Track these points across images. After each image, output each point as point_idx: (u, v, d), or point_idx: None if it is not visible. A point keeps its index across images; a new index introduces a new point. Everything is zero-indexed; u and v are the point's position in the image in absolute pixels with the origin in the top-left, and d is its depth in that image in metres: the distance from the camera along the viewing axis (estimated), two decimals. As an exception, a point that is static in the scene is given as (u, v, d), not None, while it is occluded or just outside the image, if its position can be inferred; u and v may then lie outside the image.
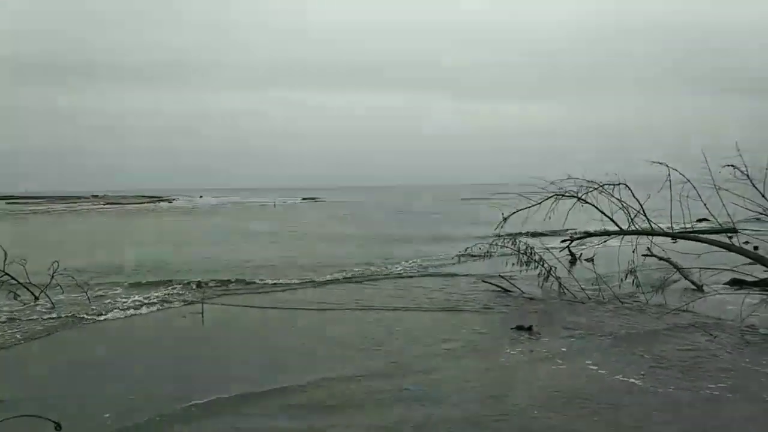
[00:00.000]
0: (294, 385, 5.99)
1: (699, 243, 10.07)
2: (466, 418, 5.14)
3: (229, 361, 7.14)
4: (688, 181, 10.02)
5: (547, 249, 12.18)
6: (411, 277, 13.37)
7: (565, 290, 10.82)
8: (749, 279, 10.60)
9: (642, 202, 10.78)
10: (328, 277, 13.02)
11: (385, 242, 21.18)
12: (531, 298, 10.57)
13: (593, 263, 12.76)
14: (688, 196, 9.95)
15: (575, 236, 15.16)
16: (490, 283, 11.53)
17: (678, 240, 10.84)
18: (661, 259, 11.88)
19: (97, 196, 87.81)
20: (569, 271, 12.77)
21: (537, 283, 11.30)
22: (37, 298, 10.54)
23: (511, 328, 8.22)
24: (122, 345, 8.10)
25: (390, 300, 10.53)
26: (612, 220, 10.96)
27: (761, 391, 5.56)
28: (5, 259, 10.93)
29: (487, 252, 12.43)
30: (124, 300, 10.71)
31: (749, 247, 10.78)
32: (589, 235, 12.31)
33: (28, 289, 10.71)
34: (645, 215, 10.71)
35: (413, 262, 15.43)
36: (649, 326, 8.28)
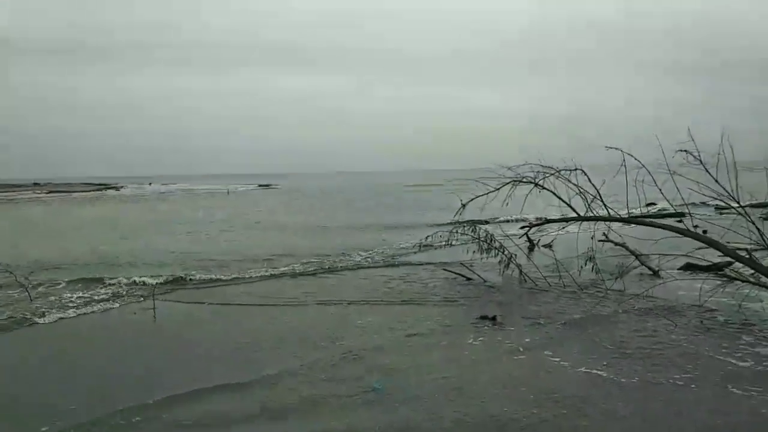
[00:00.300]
0: (244, 383, 5.76)
1: (655, 229, 10.17)
2: (431, 413, 4.99)
3: (178, 361, 6.75)
4: (643, 166, 10.10)
5: (507, 236, 12.14)
6: (370, 267, 13.11)
7: (526, 278, 10.81)
8: (703, 264, 10.82)
9: (598, 188, 10.82)
10: (284, 269, 12.63)
11: (342, 231, 20.91)
12: (492, 287, 10.52)
13: (552, 249, 12.83)
14: (643, 181, 10.02)
15: (534, 222, 15.23)
16: (452, 272, 11.43)
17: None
18: (617, 244, 12.03)
19: (38, 184, 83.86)
20: (529, 257, 12.82)
21: (498, 271, 11.26)
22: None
23: (474, 318, 8.12)
24: (69, 347, 7.62)
25: (350, 292, 10.26)
26: (569, 205, 10.96)
27: (724, 381, 5.59)
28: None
29: (447, 240, 12.31)
30: (69, 297, 10.12)
31: (699, 231, 10.98)
32: (547, 221, 12.29)
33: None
34: (602, 201, 10.76)
35: (372, 251, 15.18)
36: (609, 314, 8.32)
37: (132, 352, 7.23)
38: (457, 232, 12.16)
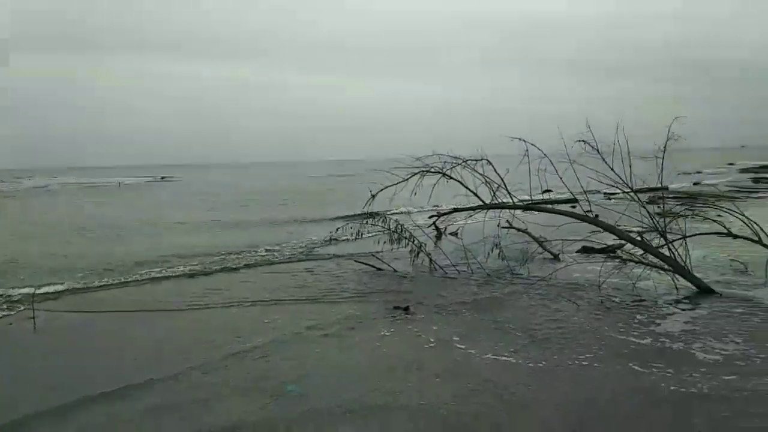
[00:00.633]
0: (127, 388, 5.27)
1: (556, 215, 10.61)
2: (350, 411, 4.83)
3: (55, 372, 6.12)
4: (546, 155, 10.47)
5: (417, 226, 12.19)
6: (280, 263, 12.57)
7: (436, 266, 10.91)
8: (597, 246, 11.44)
9: (503, 177, 11.10)
10: (181, 269, 11.61)
11: (248, 226, 20.19)
12: (404, 276, 10.51)
13: (459, 237, 13.02)
14: (545, 170, 10.39)
15: (442, 212, 15.45)
16: (363, 263, 11.31)
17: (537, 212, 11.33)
18: (519, 230, 12.42)
19: None
20: (437, 246, 12.96)
21: (408, 260, 11.28)
22: None
23: (386, 309, 8.05)
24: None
25: (255, 291, 9.73)
26: (476, 194, 11.18)
27: (627, 360, 5.83)
28: None
29: (358, 232, 12.15)
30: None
31: (593, 216, 11.59)
32: (455, 210, 12.50)
33: None
34: (506, 189, 11.05)
35: (282, 245, 14.63)
36: (516, 299, 8.54)
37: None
38: (367, 223, 12.06)
